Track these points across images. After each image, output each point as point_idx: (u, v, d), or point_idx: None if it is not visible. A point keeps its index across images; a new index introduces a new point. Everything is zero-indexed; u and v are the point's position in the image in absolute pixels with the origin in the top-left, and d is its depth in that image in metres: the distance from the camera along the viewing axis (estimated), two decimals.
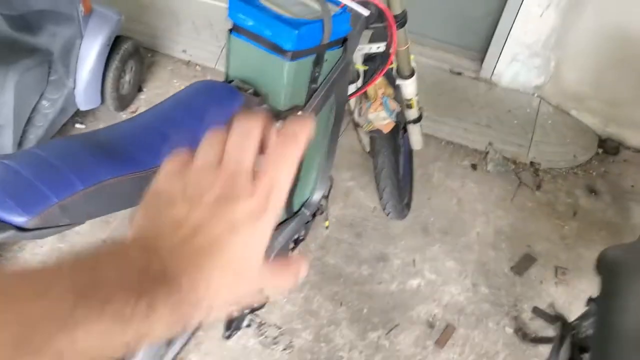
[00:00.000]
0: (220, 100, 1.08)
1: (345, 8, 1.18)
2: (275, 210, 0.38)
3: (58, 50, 2.12)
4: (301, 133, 0.38)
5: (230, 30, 1.15)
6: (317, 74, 1.18)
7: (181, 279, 0.35)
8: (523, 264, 2.10)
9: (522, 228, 2.24)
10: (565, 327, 1.28)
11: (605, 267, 1.08)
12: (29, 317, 0.29)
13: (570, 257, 2.15)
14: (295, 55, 1.09)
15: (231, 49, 1.16)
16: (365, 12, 1.22)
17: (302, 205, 1.48)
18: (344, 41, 1.22)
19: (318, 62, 1.16)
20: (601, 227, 2.30)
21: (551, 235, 2.23)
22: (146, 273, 0.34)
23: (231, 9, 1.11)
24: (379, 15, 1.32)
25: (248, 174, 0.37)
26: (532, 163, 2.54)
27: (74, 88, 2.13)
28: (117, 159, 0.88)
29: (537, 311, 1.47)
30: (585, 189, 2.47)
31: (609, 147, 2.68)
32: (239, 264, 0.37)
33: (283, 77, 1.11)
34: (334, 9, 1.17)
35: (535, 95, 2.77)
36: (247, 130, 0.38)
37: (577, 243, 2.22)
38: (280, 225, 1.40)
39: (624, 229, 2.30)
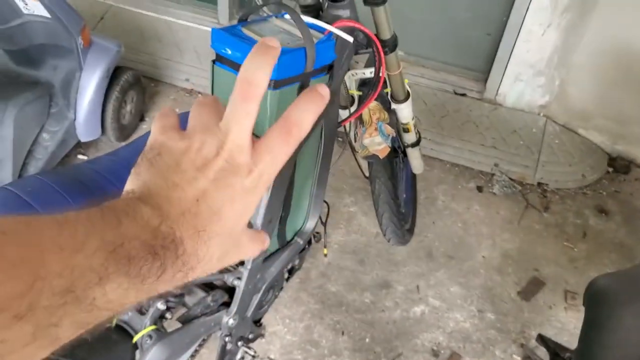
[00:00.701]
0: None
1: (329, 35, 1.17)
2: (266, 187, 0.42)
3: (59, 83, 2.15)
4: (303, 122, 0.40)
5: (214, 61, 1.14)
6: None
7: (186, 243, 0.37)
8: (531, 289, 2.04)
9: (530, 251, 2.19)
10: (555, 358, 1.23)
11: (590, 297, 1.03)
12: (73, 269, 0.31)
13: (581, 280, 2.09)
14: (278, 84, 1.07)
15: (215, 79, 1.15)
16: (349, 39, 1.20)
17: (295, 234, 1.46)
18: (329, 68, 1.20)
19: (302, 91, 1.14)
20: (612, 248, 2.24)
21: (560, 258, 2.17)
22: (158, 234, 0.36)
23: (213, 39, 1.11)
24: (368, 41, 1.31)
25: (248, 150, 0.39)
26: (539, 184, 2.49)
27: (74, 120, 2.15)
28: (91, 194, 0.86)
29: (539, 339, 1.42)
30: (595, 209, 2.41)
31: (619, 165, 2.62)
32: (232, 230, 0.40)
33: (266, 106, 1.09)
34: (317, 36, 1.16)
35: (541, 114, 2.73)
36: (245, 105, 0.39)
37: (587, 266, 2.15)
38: (273, 255, 1.37)
39: (637, 250, 2.24)
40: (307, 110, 0.40)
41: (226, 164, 0.39)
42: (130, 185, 0.40)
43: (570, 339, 1.90)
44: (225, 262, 0.42)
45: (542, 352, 1.82)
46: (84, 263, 0.31)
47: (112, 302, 0.33)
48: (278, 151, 0.40)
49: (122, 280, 0.33)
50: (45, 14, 1.91)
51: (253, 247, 0.44)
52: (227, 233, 0.40)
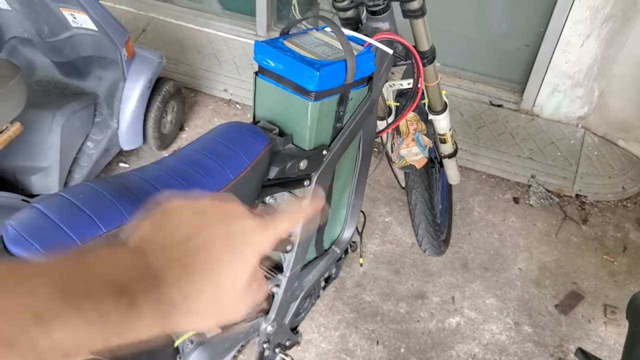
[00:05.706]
0: (245, 141, 1.10)
1: (369, 47, 1.19)
2: (273, 234, 0.43)
3: (103, 93, 2.22)
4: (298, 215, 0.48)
5: (256, 73, 1.17)
6: (342, 113, 1.18)
7: (166, 274, 0.36)
8: (569, 302, 2.01)
9: (568, 264, 2.16)
10: None
11: (634, 313, 1.01)
12: (6, 310, 0.29)
13: (621, 295, 2.05)
14: (319, 96, 1.09)
15: (257, 90, 1.18)
16: (389, 51, 1.22)
17: (333, 243, 1.47)
18: (369, 80, 1.22)
19: (342, 102, 1.16)
20: None
21: (599, 271, 2.14)
22: (131, 268, 0.35)
23: (256, 52, 1.14)
24: (407, 52, 1.33)
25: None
26: (577, 196, 2.46)
27: (117, 129, 2.22)
28: (138, 200, 0.90)
29: (580, 353, 1.39)
30: (636, 222, 2.36)
31: None
32: (229, 286, 0.39)
33: (307, 117, 1.11)
34: (357, 49, 1.18)
35: (579, 126, 2.69)
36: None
37: (627, 280, 2.11)
38: (310, 263, 1.39)
39: None
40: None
41: (228, 212, 0.41)
42: (129, 236, 0.40)
43: (610, 354, 1.86)
44: (226, 311, 0.40)
45: None
46: (19, 302, 0.29)
47: (61, 344, 0.30)
48: (284, 217, 0.45)
49: (74, 320, 0.30)
50: (92, 27, 1.98)
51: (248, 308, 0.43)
52: (224, 286, 0.39)
